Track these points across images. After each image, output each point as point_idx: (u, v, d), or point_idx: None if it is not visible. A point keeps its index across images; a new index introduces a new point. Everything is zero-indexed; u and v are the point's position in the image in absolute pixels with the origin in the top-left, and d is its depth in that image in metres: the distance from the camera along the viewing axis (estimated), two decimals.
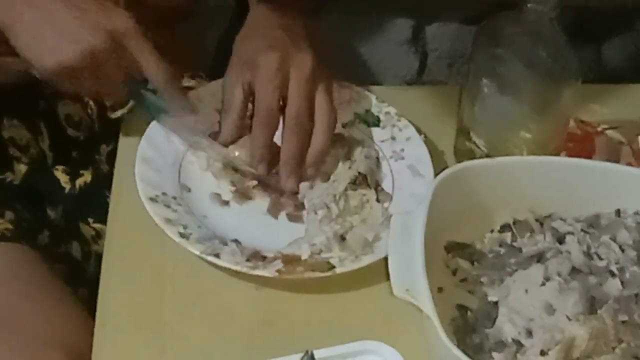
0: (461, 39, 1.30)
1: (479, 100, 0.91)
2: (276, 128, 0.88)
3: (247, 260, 0.82)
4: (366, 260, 0.82)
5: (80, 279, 0.96)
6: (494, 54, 0.88)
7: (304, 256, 0.83)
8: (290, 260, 0.82)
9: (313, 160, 0.89)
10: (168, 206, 0.85)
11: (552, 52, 0.87)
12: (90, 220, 0.99)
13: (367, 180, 0.90)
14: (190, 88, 1.01)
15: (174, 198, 0.87)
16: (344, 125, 0.96)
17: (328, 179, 0.90)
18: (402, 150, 0.94)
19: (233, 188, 0.90)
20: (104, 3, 0.84)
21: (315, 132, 0.88)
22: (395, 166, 0.93)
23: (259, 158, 0.89)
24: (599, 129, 0.98)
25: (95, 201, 0.98)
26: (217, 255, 0.81)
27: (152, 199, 0.85)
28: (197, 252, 0.81)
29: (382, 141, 0.95)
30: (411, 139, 0.94)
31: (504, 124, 0.91)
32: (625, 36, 1.31)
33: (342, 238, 0.85)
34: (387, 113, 0.97)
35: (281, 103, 0.88)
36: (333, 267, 0.82)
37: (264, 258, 0.83)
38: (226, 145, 0.90)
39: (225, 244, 0.83)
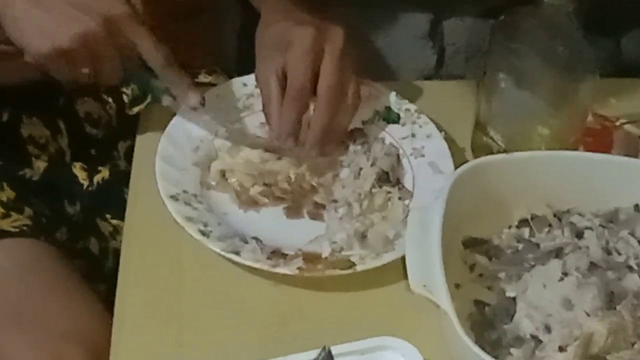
0: (479, 33, 1.29)
1: (496, 94, 0.90)
2: (308, 105, 0.88)
3: (268, 258, 0.82)
4: (387, 257, 0.82)
5: (98, 275, 0.97)
6: (512, 48, 0.88)
7: (325, 254, 0.83)
8: (311, 258, 0.82)
9: (337, 136, 0.90)
10: (189, 204, 0.85)
11: (570, 46, 0.86)
12: (108, 216, 0.99)
13: (389, 177, 0.90)
14: (209, 84, 1.01)
15: (195, 196, 0.87)
16: (363, 122, 0.96)
17: (358, 174, 0.90)
18: (423, 147, 0.94)
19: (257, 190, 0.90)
20: None
21: (342, 109, 0.89)
22: (415, 163, 0.93)
23: (287, 133, 0.88)
24: (617, 123, 0.98)
25: (113, 197, 0.98)
26: (237, 253, 0.81)
27: (173, 197, 0.85)
28: (218, 250, 0.81)
29: (403, 138, 0.95)
30: (431, 136, 0.94)
31: (521, 118, 0.90)
32: None
33: (363, 236, 0.85)
34: (407, 110, 0.97)
35: None
36: (354, 264, 0.82)
37: (284, 256, 0.83)
38: (281, 137, 0.90)
39: (246, 241, 0.83)
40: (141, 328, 0.80)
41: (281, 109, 0.88)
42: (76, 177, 1.00)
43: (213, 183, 0.89)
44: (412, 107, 0.97)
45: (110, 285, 0.85)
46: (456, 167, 0.83)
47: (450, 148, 0.93)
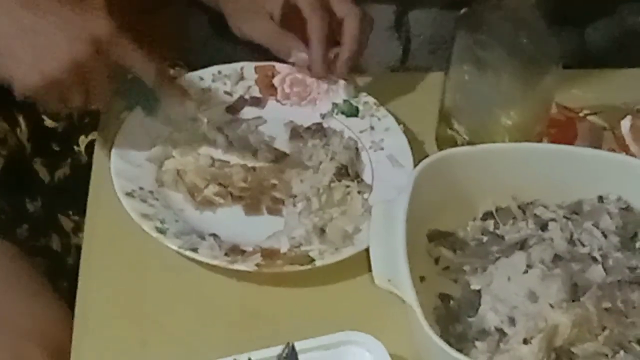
0: (444, 25, 1.29)
1: (460, 86, 0.90)
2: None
3: (226, 254, 0.81)
4: (346, 252, 0.82)
5: (60, 272, 0.95)
6: (476, 40, 0.88)
7: (283, 249, 0.82)
8: (270, 254, 0.82)
9: None
10: (145, 201, 0.84)
11: (534, 38, 0.86)
12: (70, 212, 0.98)
13: (348, 171, 0.89)
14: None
15: (151, 192, 0.86)
16: (322, 116, 0.95)
17: (317, 169, 0.90)
18: (382, 140, 0.93)
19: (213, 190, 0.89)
20: (81, 6, 0.81)
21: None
22: (374, 157, 0.92)
23: (322, 63, 0.93)
24: (581, 114, 0.98)
25: (74, 193, 0.97)
26: (195, 250, 0.81)
27: (129, 194, 0.84)
28: (175, 247, 0.81)
29: (361, 131, 0.94)
30: (390, 129, 0.94)
31: (485, 110, 0.90)
32: (609, 20, 1.30)
33: (322, 231, 0.84)
34: (366, 103, 0.96)
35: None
36: (313, 260, 0.81)
37: (242, 252, 0.82)
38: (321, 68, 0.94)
39: (203, 238, 0.82)
40: (103, 325, 0.79)
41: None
42: (37, 172, 0.98)
43: (167, 181, 0.88)
44: (371, 99, 0.96)
45: (72, 282, 0.83)
46: (420, 160, 0.83)
47: (414, 141, 0.93)
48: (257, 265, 0.80)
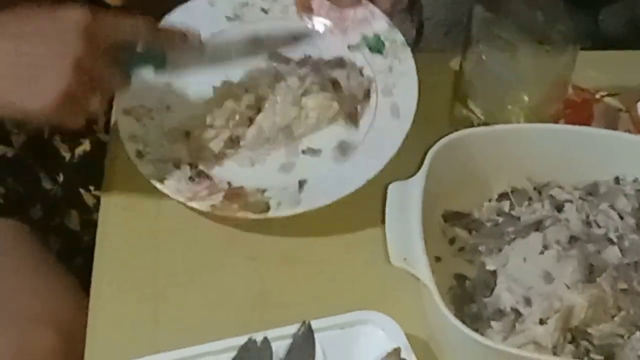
0: (457, 6, 1.29)
1: (476, 67, 0.90)
2: None
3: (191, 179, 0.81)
4: (303, 206, 0.81)
5: (75, 249, 0.95)
6: (492, 20, 0.87)
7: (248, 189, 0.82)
8: (231, 196, 0.81)
9: None
10: (139, 120, 0.84)
11: (550, 18, 0.86)
12: (92, 188, 0.97)
13: (340, 87, 0.87)
14: None
15: (149, 111, 0.85)
16: (349, 47, 0.92)
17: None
18: (394, 85, 0.89)
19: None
20: (44, 8, 0.74)
21: None
22: (382, 103, 0.88)
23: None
24: (597, 96, 0.98)
25: (95, 169, 0.96)
26: (162, 181, 0.80)
27: (126, 111, 0.83)
28: (145, 174, 0.81)
29: (379, 72, 0.90)
30: (406, 75, 0.89)
31: (501, 90, 0.90)
32: (623, 2, 1.30)
33: (250, 120, 0.84)
34: (394, 41, 0.91)
35: None
36: (267, 209, 0.80)
37: (210, 187, 0.81)
38: None
39: (179, 167, 0.82)
40: (117, 303, 0.79)
41: None
42: (57, 149, 0.98)
43: (171, 102, 0.86)
44: (400, 38, 0.91)
45: (89, 259, 0.83)
46: (435, 141, 0.82)
47: (427, 121, 0.91)
48: (212, 207, 0.80)
